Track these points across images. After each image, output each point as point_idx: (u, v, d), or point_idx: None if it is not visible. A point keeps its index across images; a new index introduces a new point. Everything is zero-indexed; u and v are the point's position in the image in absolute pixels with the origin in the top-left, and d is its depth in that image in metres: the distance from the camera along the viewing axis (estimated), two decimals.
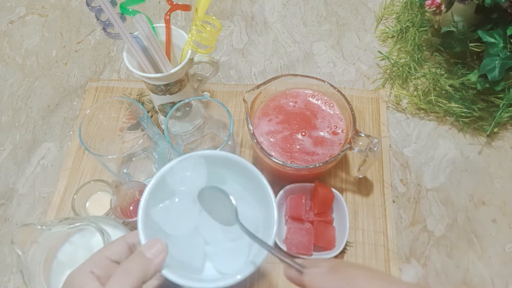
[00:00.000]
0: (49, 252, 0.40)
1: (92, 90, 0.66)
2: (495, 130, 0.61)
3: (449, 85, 0.61)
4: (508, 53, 0.56)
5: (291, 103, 0.55)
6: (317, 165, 0.48)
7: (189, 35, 0.48)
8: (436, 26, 0.69)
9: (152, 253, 0.30)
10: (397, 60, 0.66)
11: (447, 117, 0.63)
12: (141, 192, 0.45)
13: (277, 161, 0.48)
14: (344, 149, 0.49)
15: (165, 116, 0.49)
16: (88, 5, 0.43)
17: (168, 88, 0.51)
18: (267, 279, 0.50)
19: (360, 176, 0.56)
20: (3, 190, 0.58)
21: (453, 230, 0.54)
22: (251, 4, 0.76)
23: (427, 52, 0.68)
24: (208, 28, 0.47)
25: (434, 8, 0.62)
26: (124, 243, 0.31)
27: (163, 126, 0.51)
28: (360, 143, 0.49)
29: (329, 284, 0.27)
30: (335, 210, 0.53)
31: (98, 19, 0.45)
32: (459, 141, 0.61)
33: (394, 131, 0.62)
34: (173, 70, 0.48)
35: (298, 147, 0.52)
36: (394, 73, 0.66)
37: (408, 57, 0.66)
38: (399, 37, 0.70)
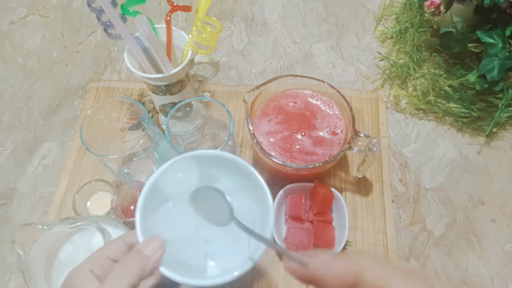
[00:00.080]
0: (50, 251, 0.40)
1: (93, 90, 0.66)
2: (494, 130, 0.61)
3: (448, 86, 0.61)
4: (507, 54, 0.56)
5: (291, 104, 0.55)
6: (317, 165, 0.48)
7: (190, 36, 0.48)
8: (435, 27, 0.70)
9: (149, 251, 0.30)
10: (396, 61, 0.67)
11: (446, 117, 0.63)
12: None
13: (277, 161, 0.48)
14: (343, 149, 0.49)
15: (166, 116, 0.49)
16: (89, 6, 0.43)
17: (169, 88, 0.51)
18: (267, 278, 0.51)
19: (360, 176, 0.56)
20: (4, 190, 0.58)
21: (452, 230, 0.54)
22: (251, 5, 0.77)
23: (426, 53, 0.68)
24: (208, 29, 0.47)
25: (433, 9, 0.62)
26: (123, 243, 0.32)
27: (163, 126, 0.51)
28: (359, 143, 0.49)
29: (335, 267, 0.27)
30: (335, 209, 0.53)
31: (99, 20, 0.45)
32: (458, 141, 0.61)
33: (393, 131, 0.62)
34: (173, 71, 0.48)
35: (297, 147, 0.52)
36: (393, 74, 0.67)
37: (407, 58, 0.67)
38: (398, 37, 0.70)
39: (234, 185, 0.37)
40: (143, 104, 0.64)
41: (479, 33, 0.58)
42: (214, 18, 0.47)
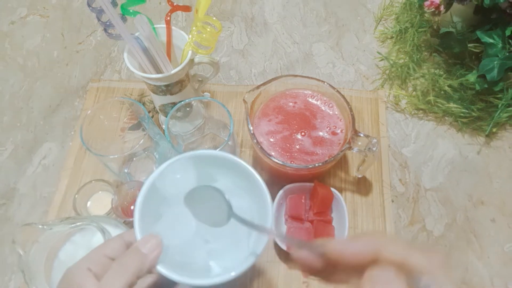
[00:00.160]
0: (50, 251, 0.40)
1: (93, 90, 0.66)
2: (494, 130, 0.61)
3: (448, 86, 0.61)
4: (507, 54, 0.56)
5: (291, 104, 0.55)
6: (317, 165, 0.48)
7: (190, 36, 0.48)
8: (435, 27, 0.70)
9: (147, 249, 0.30)
10: (396, 61, 0.67)
11: (446, 117, 0.63)
12: None
13: (276, 161, 0.48)
14: (343, 149, 0.49)
15: (166, 116, 0.49)
16: (89, 6, 0.43)
17: (169, 88, 0.51)
18: (267, 277, 0.51)
19: (359, 176, 0.56)
20: (4, 190, 0.58)
21: (452, 230, 0.54)
22: (251, 5, 0.77)
23: (426, 53, 0.68)
24: (208, 29, 0.47)
25: (433, 9, 0.62)
26: (122, 241, 0.32)
27: (163, 126, 0.51)
28: (359, 143, 0.49)
29: (353, 246, 0.26)
30: (335, 209, 0.53)
31: (99, 20, 0.45)
32: (458, 141, 0.61)
33: (393, 131, 0.62)
34: (173, 71, 0.48)
35: (297, 147, 0.52)
36: (393, 74, 0.67)
37: (407, 58, 0.67)
38: (398, 37, 0.70)
39: (233, 185, 0.37)
40: (143, 104, 0.64)
41: (479, 33, 0.58)
42: (214, 18, 0.47)
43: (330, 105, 0.55)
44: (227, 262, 0.35)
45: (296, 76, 0.55)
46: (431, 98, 0.62)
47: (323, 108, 0.55)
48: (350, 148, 0.49)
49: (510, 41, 0.57)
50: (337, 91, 0.53)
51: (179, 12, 0.75)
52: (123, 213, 0.50)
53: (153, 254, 0.30)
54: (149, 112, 0.63)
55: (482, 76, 0.58)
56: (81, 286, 0.27)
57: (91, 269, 0.28)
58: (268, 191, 0.34)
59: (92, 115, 0.49)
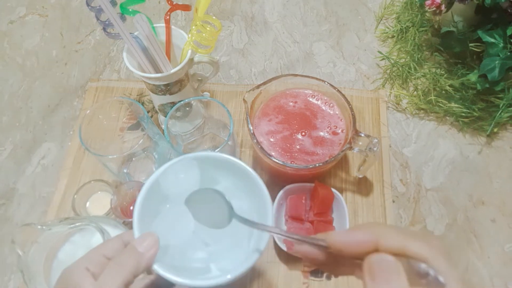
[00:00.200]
0: (49, 252, 0.40)
1: (92, 90, 0.66)
2: (495, 130, 0.61)
3: (449, 85, 0.61)
4: (508, 53, 0.56)
5: (291, 103, 0.55)
6: (317, 165, 0.48)
7: (189, 35, 0.48)
8: (436, 26, 0.69)
9: (143, 247, 0.30)
10: (397, 60, 0.67)
11: (447, 117, 0.63)
12: None
13: (277, 161, 0.48)
14: (344, 149, 0.49)
15: (165, 116, 0.49)
16: (88, 5, 0.43)
17: (168, 88, 0.51)
18: (267, 278, 0.50)
19: (360, 176, 0.56)
20: (3, 190, 0.58)
21: (453, 230, 0.54)
22: (251, 4, 0.77)
23: (427, 52, 0.68)
24: (208, 28, 0.47)
25: (434, 8, 0.62)
26: (120, 241, 0.32)
27: (163, 126, 0.51)
28: (360, 143, 0.49)
29: (354, 236, 0.26)
30: (335, 210, 0.53)
31: (98, 19, 0.45)
32: (459, 141, 0.61)
33: (394, 131, 0.62)
34: (173, 70, 0.48)
35: (298, 147, 0.52)
36: (394, 73, 0.66)
37: (408, 57, 0.67)
38: (399, 37, 0.70)
39: (234, 186, 0.37)
40: (143, 104, 0.64)
41: (480, 33, 0.58)
42: (214, 17, 0.47)
43: (331, 104, 0.55)
44: (227, 264, 0.35)
45: (296, 75, 0.54)
46: (432, 97, 0.61)
47: (323, 107, 0.55)
48: (350, 148, 0.49)
49: (511, 40, 0.57)
50: (338, 90, 0.53)
51: (178, 11, 0.75)
52: (122, 214, 0.50)
53: (150, 253, 0.30)
54: (148, 112, 0.63)
55: (483, 76, 0.58)
56: (79, 285, 0.27)
57: (89, 269, 0.28)
58: (268, 192, 0.34)
59: (91, 115, 0.49)
